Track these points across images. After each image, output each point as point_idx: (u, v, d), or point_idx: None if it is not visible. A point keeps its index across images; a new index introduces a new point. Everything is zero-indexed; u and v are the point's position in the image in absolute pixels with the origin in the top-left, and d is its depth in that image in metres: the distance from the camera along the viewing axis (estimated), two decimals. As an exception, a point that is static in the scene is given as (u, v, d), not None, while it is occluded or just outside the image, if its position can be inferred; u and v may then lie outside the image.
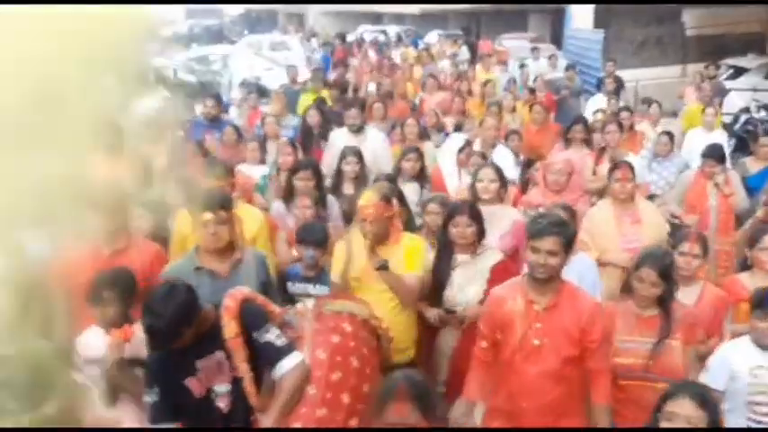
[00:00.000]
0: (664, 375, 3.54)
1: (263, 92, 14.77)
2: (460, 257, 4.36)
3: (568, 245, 3.45)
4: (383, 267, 4.10)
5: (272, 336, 3.17)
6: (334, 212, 5.55)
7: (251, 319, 3.18)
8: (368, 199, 4.17)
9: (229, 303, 3.17)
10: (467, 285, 4.29)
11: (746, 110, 11.54)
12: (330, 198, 5.66)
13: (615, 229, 5.06)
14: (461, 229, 4.33)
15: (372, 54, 18.08)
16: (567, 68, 13.90)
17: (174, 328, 3.00)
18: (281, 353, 3.16)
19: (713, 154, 6.51)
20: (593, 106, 10.36)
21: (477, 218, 4.38)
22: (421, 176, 6.11)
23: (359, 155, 6.10)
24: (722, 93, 11.92)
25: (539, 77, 12.53)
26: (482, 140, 7.20)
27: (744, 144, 10.29)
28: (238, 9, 52.23)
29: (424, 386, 3.09)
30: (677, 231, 5.05)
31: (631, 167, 5.27)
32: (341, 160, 6.11)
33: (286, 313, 3.53)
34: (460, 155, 6.64)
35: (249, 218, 4.57)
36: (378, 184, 4.95)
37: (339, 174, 6.09)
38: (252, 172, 6.60)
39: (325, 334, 3.45)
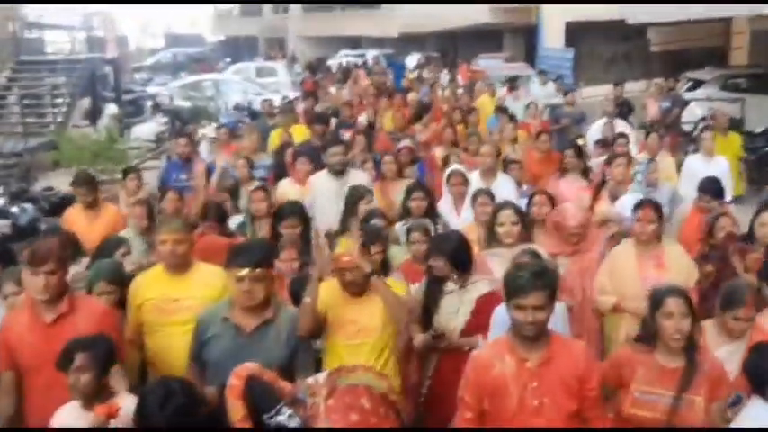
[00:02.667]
0: None
1: (255, 115, 15.80)
2: (449, 286, 4.31)
3: (554, 294, 3.18)
4: (374, 273, 3.94)
5: (284, 417, 2.94)
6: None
7: (259, 399, 2.95)
8: (345, 246, 4.04)
9: (234, 382, 2.96)
10: (453, 314, 4.24)
11: (704, 118, 12.61)
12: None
13: (636, 273, 4.62)
14: (432, 264, 4.35)
15: (364, 79, 17.55)
16: (566, 93, 13.07)
17: None
18: None
19: (709, 188, 6.03)
20: (595, 133, 9.70)
21: (444, 252, 4.31)
22: (430, 213, 5.71)
23: (372, 194, 5.92)
24: (681, 104, 13.01)
25: (531, 104, 11.58)
26: (481, 170, 6.84)
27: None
28: (219, 36, 53.13)
29: None
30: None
31: (656, 207, 4.76)
32: (354, 202, 5.75)
33: (297, 390, 3.25)
34: (451, 181, 6.39)
35: (210, 278, 4.19)
36: (355, 231, 4.71)
37: (346, 218, 5.73)
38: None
39: (341, 412, 3.17)
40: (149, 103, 19.35)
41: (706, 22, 18.58)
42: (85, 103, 18.88)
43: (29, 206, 8.54)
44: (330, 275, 4.06)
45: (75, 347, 3.25)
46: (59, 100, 17.47)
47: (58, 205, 8.39)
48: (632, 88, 16.87)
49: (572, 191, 6.66)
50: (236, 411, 2.92)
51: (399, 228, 5.61)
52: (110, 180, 10.57)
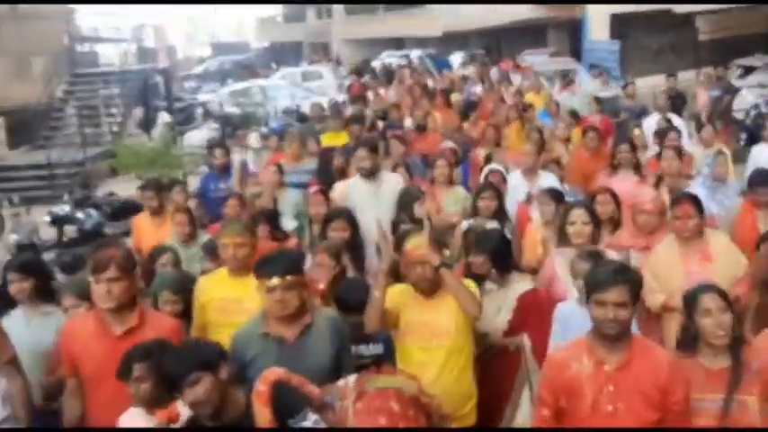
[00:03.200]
0: None
1: (303, 119, 16.07)
2: (488, 285, 4.29)
3: (636, 294, 3.09)
4: (444, 265, 3.85)
5: (310, 423, 2.89)
6: (373, 266, 5.13)
7: (285, 404, 2.91)
8: (417, 242, 3.89)
9: (260, 388, 2.92)
10: (493, 314, 4.20)
11: (756, 106, 12.46)
12: (369, 250, 5.33)
13: (682, 269, 4.44)
14: (475, 260, 4.34)
15: (408, 79, 16.95)
16: (626, 85, 12.34)
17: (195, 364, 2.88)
18: None
19: (763, 180, 5.59)
20: (649, 127, 9.03)
21: (486, 249, 4.32)
22: (500, 214, 5.63)
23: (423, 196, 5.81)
24: (732, 91, 12.86)
25: (593, 100, 11.13)
26: (523, 169, 6.71)
27: (754, 138, 11.20)
28: (263, 43, 53.97)
29: None
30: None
31: (695, 201, 4.59)
32: (405, 205, 5.71)
33: (326, 393, 3.18)
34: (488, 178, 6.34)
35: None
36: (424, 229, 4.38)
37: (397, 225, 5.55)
38: (287, 225, 6.34)
39: (369, 415, 3.09)
40: (200, 111, 19.81)
41: (755, 8, 18.29)
42: (139, 112, 19.49)
43: (93, 212, 8.89)
44: (401, 273, 4.00)
45: (133, 357, 3.31)
46: (114, 110, 18.14)
47: (121, 210, 8.76)
48: (682, 78, 16.68)
49: (625, 187, 6.25)
50: (263, 418, 2.88)
51: (464, 226, 5.56)
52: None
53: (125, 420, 3.34)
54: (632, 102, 11.50)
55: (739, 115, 12.66)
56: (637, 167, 6.78)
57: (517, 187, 6.51)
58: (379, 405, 3.10)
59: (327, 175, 7.58)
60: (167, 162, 12.37)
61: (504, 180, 6.34)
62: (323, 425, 2.90)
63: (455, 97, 12.75)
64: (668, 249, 4.58)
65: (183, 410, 3.11)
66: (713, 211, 5.73)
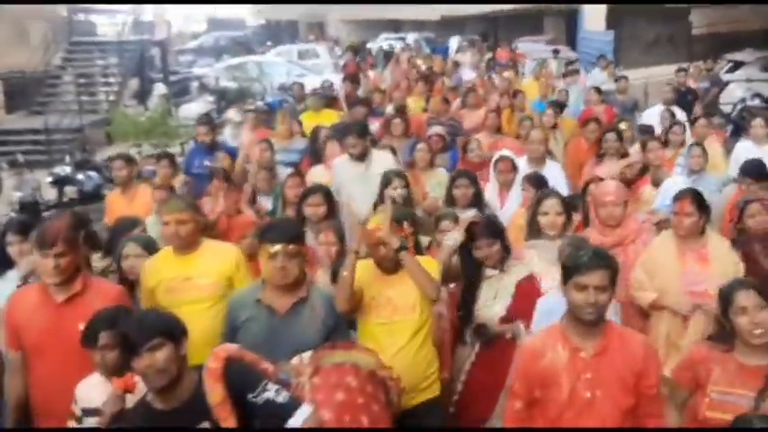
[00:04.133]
0: None
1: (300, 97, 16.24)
2: (489, 271, 4.22)
3: (614, 279, 3.03)
4: (403, 248, 3.78)
5: (272, 393, 2.82)
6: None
7: (241, 380, 2.82)
8: (377, 223, 3.84)
9: (212, 365, 2.81)
10: (492, 301, 4.15)
11: (743, 100, 12.76)
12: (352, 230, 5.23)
13: (677, 268, 4.31)
14: (485, 251, 4.20)
15: (405, 62, 16.72)
16: (618, 80, 12.08)
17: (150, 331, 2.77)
18: (285, 410, 2.82)
19: (752, 171, 5.68)
20: (649, 120, 9.29)
21: (496, 237, 4.23)
22: (477, 202, 5.47)
23: (405, 178, 5.60)
24: (720, 84, 13.14)
25: (591, 90, 10.85)
26: (529, 157, 6.57)
27: (739, 129, 11.49)
28: (259, 20, 53.76)
29: None
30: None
31: (696, 198, 4.42)
32: (385, 186, 5.49)
33: (280, 371, 3.16)
34: (498, 167, 6.13)
35: (222, 255, 4.15)
36: (385, 207, 4.26)
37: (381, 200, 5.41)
38: (266, 203, 6.26)
39: (327, 391, 3.12)
40: (195, 84, 19.92)
41: (750, 3, 18.50)
42: (134, 83, 19.59)
43: (93, 174, 9.08)
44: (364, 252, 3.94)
45: (99, 325, 3.26)
46: (111, 80, 18.17)
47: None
48: (671, 71, 16.92)
49: (610, 176, 6.18)
50: (216, 394, 2.74)
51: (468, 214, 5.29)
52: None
53: (84, 388, 3.29)
54: (624, 96, 11.45)
55: (726, 108, 12.95)
56: (623, 157, 6.74)
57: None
58: (336, 380, 3.15)
59: (318, 155, 7.42)
60: (164, 132, 12.54)
61: (515, 167, 6.13)
62: (284, 393, 2.85)
63: (445, 82, 12.51)
64: (665, 247, 4.44)
65: (140, 382, 3.01)
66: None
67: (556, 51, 17.47)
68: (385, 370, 3.41)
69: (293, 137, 8.21)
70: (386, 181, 5.52)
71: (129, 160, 6.47)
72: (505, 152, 6.50)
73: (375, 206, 5.38)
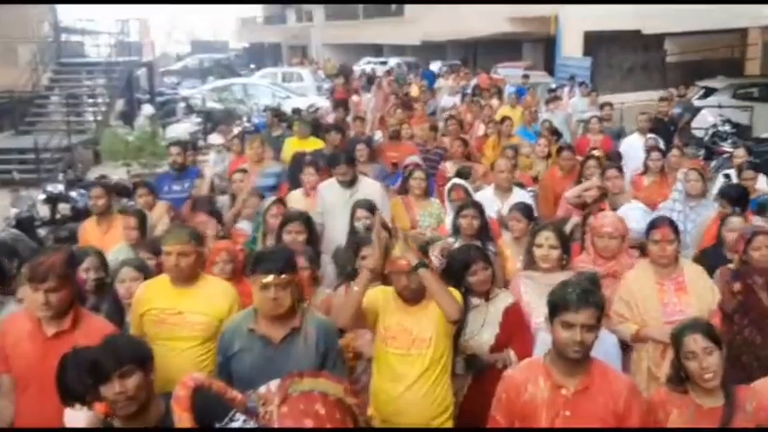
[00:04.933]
0: None
1: (283, 117, 16.57)
2: (474, 301, 4.19)
3: (601, 316, 3.01)
4: (422, 265, 3.73)
5: (239, 423, 2.84)
6: (328, 274, 5.07)
7: (208, 409, 2.82)
8: (402, 250, 3.80)
9: (180, 393, 2.80)
10: (479, 330, 4.13)
11: (714, 125, 13.27)
12: (324, 258, 5.21)
13: (656, 299, 4.24)
14: (480, 276, 4.17)
15: (387, 87, 16.79)
16: (602, 106, 11.83)
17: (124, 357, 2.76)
18: None
19: (730, 193, 5.84)
20: (627, 146, 9.24)
21: (489, 262, 4.27)
22: (482, 233, 5.30)
23: (371, 209, 5.49)
24: (692, 110, 13.64)
25: (593, 117, 10.56)
26: (495, 185, 6.51)
27: (712, 154, 11.99)
28: (243, 43, 54.31)
29: None
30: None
31: (674, 225, 4.40)
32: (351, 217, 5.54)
33: (248, 399, 3.11)
34: (452, 196, 6.22)
35: (219, 295, 4.04)
36: (410, 237, 4.28)
37: (354, 233, 5.42)
38: (246, 228, 6.13)
39: (295, 419, 3.04)
40: (181, 105, 20.19)
41: (722, 33, 19.15)
42: (121, 104, 19.84)
43: (85, 191, 9.31)
44: (386, 279, 3.96)
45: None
46: (99, 100, 18.41)
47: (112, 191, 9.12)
48: (646, 98, 17.47)
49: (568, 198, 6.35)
50: (183, 423, 2.74)
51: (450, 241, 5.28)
52: (151, 174, 11.31)
53: (70, 417, 3.25)
54: (609, 124, 11.20)
55: (699, 133, 13.44)
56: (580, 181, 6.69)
57: (489, 203, 6.14)
58: (305, 408, 3.06)
59: (298, 180, 7.20)
60: (153, 152, 12.76)
61: (468, 195, 6.14)
62: (251, 423, 2.83)
63: (419, 107, 12.50)
64: (642, 278, 4.35)
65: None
66: (688, 228, 5.90)
67: (525, 77, 17.54)
68: (352, 398, 3.39)
69: (264, 161, 8.04)
70: (352, 212, 5.56)
71: (108, 190, 6.32)
72: (458, 180, 6.59)
73: (350, 236, 5.37)
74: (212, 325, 3.89)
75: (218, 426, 2.80)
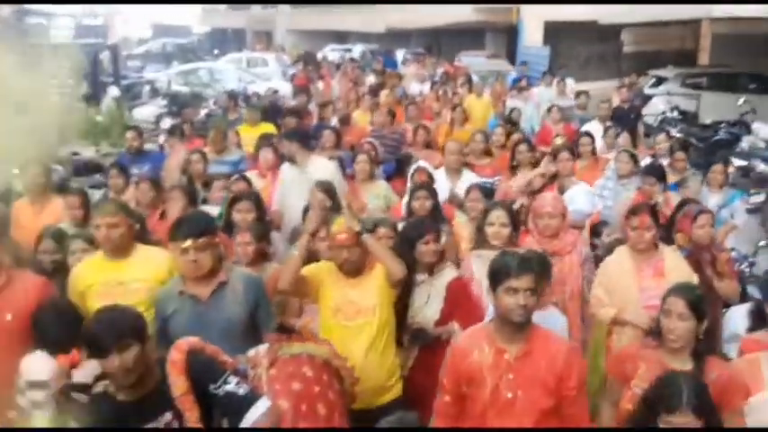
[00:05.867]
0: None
1: (248, 101, 16.87)
2: (419, 277, 4.29)
3: (541, 282, 3.17)
4: (367, 230, 3.94)
5: (232, 385, 2.90)
6: (279, 251, 5.14)
7: (202, 371, 2.89)
8: (341, 225, 3.92)
9: (175, 357, 2.87)
10: (425, 305, 4.24)
11: (664, 112, 13.93)
12: (275, 235, 5.34)
13: (635, 283, 4.33)
14: (432, 246, 4.29)
15: (353, 73, 17.03)
16: (578, 94, 11.88)
17: (122, 333, 2.78)
18: (245, 402, 2.90)
19: (654, 172, 6.24)
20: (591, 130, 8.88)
21: (440, 236, 4.44)
22: (435, 215, 5.35)
23: (328, 190, 5.57)
24: (643, 98, 14.27)
25: (554, 106, 10.64)
26: (446, 167, 6.69)
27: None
28: (206, 27, 53.84)
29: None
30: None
31: (653, 211, 4.49)
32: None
33: (238, 362, 3.27)
34: (414, 178, 6.28)
35: (155, 260, 4.17)
36: (347, 212, 4.30)
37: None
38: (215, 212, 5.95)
39: (284, 381, 3.22)
40: (147, 88, 20.28)
41: (676, 25, 19.82)
42: (85, 86, 19.84)
43: (58, 167, 9.54)
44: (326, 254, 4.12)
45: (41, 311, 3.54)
46: (65, 82, 18.36)
47: (84, 167, 9.37)
48: (603, 87, 18.07)
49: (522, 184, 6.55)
50: (179, 386, 2.83)
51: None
52: (119, 153, 11.52)
53: (28, 362, 3.29)
54: (583, 112, 11.28)
55: (649, 119, 14.05)
56: (534, 167, 6.88)
57: (440, 185, 6.31)
58: (293, 370, 3.26)
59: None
60: (121, 132, 12.93)
61: (432, 178, 6.29)
62: (245, 386, 2.94)
63: (385, 95, 12.34)
64: (621, 262, 4.47)
65: (87, 364, 3.08)
66: (597, 203, 6.36)
67: (545, 74, 16.09)
68: (339, 359, 3.53)
69: (226, 150, 8.06)
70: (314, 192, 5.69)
71: (46, 170, 6.19)
72: (421, 163, 6.74)
73: (304, 213, 5.42)
74: (154, 290, 4.02)
75: (212, 387, 2.87)
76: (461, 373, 3.20)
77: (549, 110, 10.60)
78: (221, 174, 6.85)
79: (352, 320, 3.91)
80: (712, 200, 6.53)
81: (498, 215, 4.62)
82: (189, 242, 3.62)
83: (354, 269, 3.96)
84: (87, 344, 2.84)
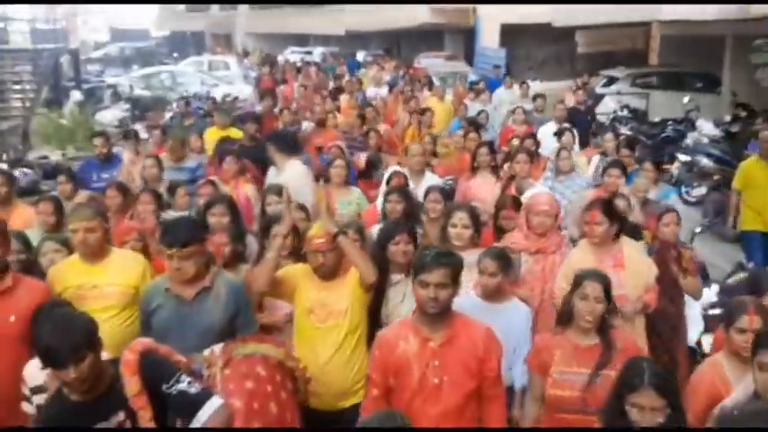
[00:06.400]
0: (601, 408, 3.29)
1: (213, 102, 17.06)
2: (395, 277, 4.39)
3: (457, 276, 3.28)
4: (342, 233, 4.04)
5: (184, 385, 2.94)
6: (253, 252, 5.20)
7: (156, 371, 2.93)
8: (318, 230, 4.04)
9: (129, 357, 2.91)
10: (400, 303, 4.31)
11: (615, 111, 14.51)
12: (250, 237, 5.45)
13: None
14: (402, 246, 4.40)
15: (313, 74, 17.12)
16: (536, 98, 12.01)
17: (77, 347, 2.76)
18: (197, 401, 2.94)
19: (617, 164, 6.40)
20: (543, 135, 9.42)
21: (415, 237, 4.54)
22: (410, 217, 5.41)
23: (280, 192, 5.54)
24: (594, 97, 14.83)
25: (518, 108, 10.84)
26: (409, 169, 6.77)
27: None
28: (164, 31, 53.44)
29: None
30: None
31: (606, 208, 4.64)
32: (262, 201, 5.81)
33: (194, 362, 3.32)
34: (393, 182, 6.30)
35: (130, 264, 4.30)
36: (324, 217, 4.34)
37: (264, 214, 5.71)
38: None
39: (237, 380, 3.29)
40: (108, 92, 20.36)
41: (628, 26, 20.44)
42: (47, 90, 19.86)
43: (29, 171, 9.72)
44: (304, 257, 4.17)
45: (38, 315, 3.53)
46: (27, 87, 18.41)
47: (52, 171, 9.56)
48: (558, 87, 18.59)
49: (486, 188, 6.69)
50: (132, 386, 2.86)
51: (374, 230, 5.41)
52: (86, 157, 11.67)
53: (30, 369, 3.46)
54: (541, 115, 11.43)
55: (602, 118, 14.60)
56: (494, 169, 6.97)
57: None
58: (246, 370, 3.33)
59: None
60: (87, 136, 13.07)
61: (408, 182, 6.35)
62: (197, 386, 2.97)
63: (345, 98, 12.62)
64: (583, 254, 4.61)
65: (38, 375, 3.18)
66: (558, 200, 6.19)
67: (506, 76, 16.25)
68: (293, 361, 3.63)
69: (185, 158, 7.99)
70: (264, 196, 5.84)
71: (10, 178, 6.25)
72: (397, 168, 6.86)
73: (259, 221, 5.60)
74: (127, 293, 4.12)
75: (164, 387, 2.90)
76: (389, 365, 3.31)
77: (514, 111, 10.74)
78: (181, 181, 6.86)
79: (323, 322, 3.99)
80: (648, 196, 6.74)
81: (461, 217, 4.75)
82: (173, 250, 3.73)
83: (329, 273, 4.05)
84: (42, 357, 2.84)
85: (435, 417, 3.24)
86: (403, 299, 4.31)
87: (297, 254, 4.52)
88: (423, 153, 6.96)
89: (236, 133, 9.22)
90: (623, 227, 4.72)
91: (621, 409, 3.05)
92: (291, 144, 7.21)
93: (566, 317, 3.67)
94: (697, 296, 5.18)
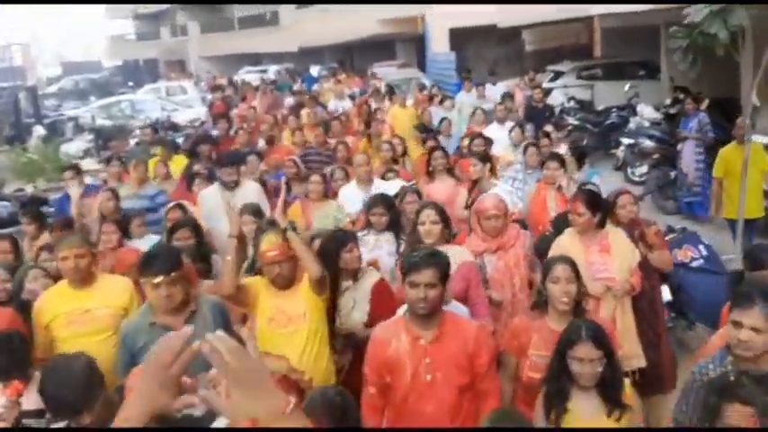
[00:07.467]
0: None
1: (175, 128, 17.45)
2: (344, 284, 4.53)
3: (445, 276, 3.38)
4: (292, 228, 4.22)
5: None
6: (219, 271, 5.27)
7: None
8: (271, 242, 4.16)
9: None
10: (352, 310, 4.46)
11: (562, 103, 15.16)
12: (215, 257, 5.58)
13: (582, 259, 4.53)
14: (356, 253, 4.57)
15: (268, 93, 17.44)
16: (503, 98, 12.27)
17: (79, 399, 2.81)
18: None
19: (555, 157, 6.73)
20: (492, 134, 9.51)
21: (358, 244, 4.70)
22: (396, 227, 5.52)
23: (256, 212, 5.77)
24: (544, 92, 15.42)
25: (477, 110, 11.15)
26: (357, 179, 6.93)
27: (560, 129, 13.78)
28: (116, 61, 53.36)
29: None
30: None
31: (588, 198, 4.83)
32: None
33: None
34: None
35: (118, 287, 4.44)
36: (275, 228, 4.45)
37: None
38: (141, 246, 5.75)
39: None
40: (70, 125, 20.55)
41: (571, 23, 21.12)
42: (8, 128, 20.04)
43: (6, 203, 10.05)
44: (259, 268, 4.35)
45: None
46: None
47: (29, 202, 9.85)
48: (509, 86, 19.24)
49: (444, 191, 6.81)
50: None
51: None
52: (58, 188, 11.95)
53: None
54: (511, 114, 11.44)
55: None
56: (450, 172, 7.12)
57: (352, 198, 6.68)
58: None
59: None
60: (56, 168, 13.34)
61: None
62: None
63: (306, 114, 12.63)
64: (570, 241, 4.81)
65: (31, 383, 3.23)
66: (527, 192, 6.81)
67: (466, 79, 15.51)
68: (295, 373, 3.69)
69: (144, 184, 7.81)
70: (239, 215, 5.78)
71: None
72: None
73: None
74: (118, 315, 4.25)
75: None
76: (382, 363, 3.41)
77: (474, 113, 11.04)
78: (139, 210, 6.81)
79: (284, 328, 4.15)
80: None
81: (429, 213, 4.76)
82: (161, 278, 3.72)
83: (286, 282, 4.23)
84: (53, 408, 2.90)
85: (430, 413, 3.34)
86: (354, 304, 4.48)
87: (253, 268, 4.76)
88: (368, 163, 7.08)
89: (179, 162, 9.25)
90: (605, 216, 4.92)
91: (563, 366, 3.27)
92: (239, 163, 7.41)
93: (540, 303, 3.82)
94: (668, 269, 5.42)
